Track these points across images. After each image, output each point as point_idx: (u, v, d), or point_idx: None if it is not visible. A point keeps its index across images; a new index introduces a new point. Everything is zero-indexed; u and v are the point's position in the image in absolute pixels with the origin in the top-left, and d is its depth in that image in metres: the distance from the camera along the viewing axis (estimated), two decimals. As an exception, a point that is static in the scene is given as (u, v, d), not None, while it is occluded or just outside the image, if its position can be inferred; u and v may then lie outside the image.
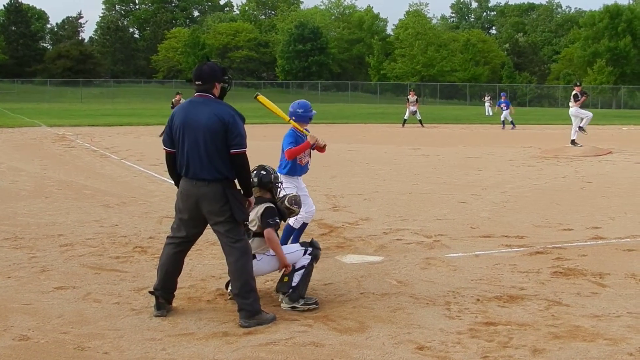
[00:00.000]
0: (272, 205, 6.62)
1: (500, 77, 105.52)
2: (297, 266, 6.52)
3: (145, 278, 7.28)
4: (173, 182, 6.27)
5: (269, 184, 6.76)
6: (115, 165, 18.50)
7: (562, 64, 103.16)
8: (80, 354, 5.22)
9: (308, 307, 6.39)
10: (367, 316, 6.12)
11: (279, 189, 6.93)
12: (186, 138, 5.96)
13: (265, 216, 6.46)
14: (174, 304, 6.33)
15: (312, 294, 6.67)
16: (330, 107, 62.39)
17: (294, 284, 6.43)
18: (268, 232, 6.40)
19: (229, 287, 6.66)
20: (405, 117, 38.70)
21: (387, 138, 30.53)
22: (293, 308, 6.38)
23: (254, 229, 6.48)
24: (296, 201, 7.07)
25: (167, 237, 6.33)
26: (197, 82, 6.07)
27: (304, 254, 6.59)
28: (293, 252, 6.57)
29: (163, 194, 13.27)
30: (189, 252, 6.45)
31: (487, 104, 56.53)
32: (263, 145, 12.05)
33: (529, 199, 13.02)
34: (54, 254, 8.38)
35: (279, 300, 6.55)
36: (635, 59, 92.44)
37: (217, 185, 5.92)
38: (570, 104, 23.72)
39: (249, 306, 5.92)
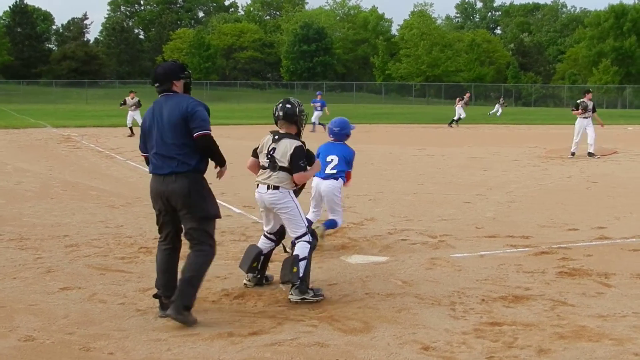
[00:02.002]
0: (300, 144, 6.69)
1: (505, 77, 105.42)
2: (301, 256, 6.57)
3: (151, 279, 7.27)
4: None
5: (294, 116, 6.77)
6: (121, 166, 18.53)
7: (568, 64, 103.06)
8: (86, 354, 5.23)
9: (317, 298, 6.53)
10: (372, 316, 6.12)
11: (304, 122, 6.91)
12: (154, 137, 6.09)
13: (295, 158, 6.59)
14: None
15: (317, 295, 6.72)
16: (335, 108, 62.06)
17: (300, 274, 6.49)
18: (299, 175, 6.62)
19: (248, 273, 6.91)
20: (461, 117, 38.90)
21: (391, 138, 30.52)
22: (303, 300, 6.48)
23: (281, 164, 6.62)
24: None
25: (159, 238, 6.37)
26: (155, 85, 6.20)
27: (304, 234, 6.69)
28: (302, 222, 6.72)
29: (168, 195, 13.27)
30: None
31: (497, 105, 56.68)
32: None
33: (534, 199, 13.01)
34: (60, 255, 8.40)
35: (278, 283, 6.74)
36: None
37: (184, 179, 5.96)
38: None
39: (187, 297, 5.88)
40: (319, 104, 35.60)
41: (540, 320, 6.03)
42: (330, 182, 8.72)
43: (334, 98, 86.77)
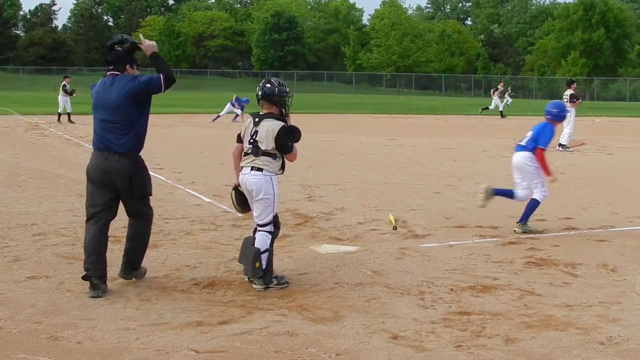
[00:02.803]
0: (283, 124, 6.61)
1: (475, 68, 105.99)
2: (262, 249, 6.55)
3: (119, 267, 7.23)
4: None
5: (273, 96, 6.67)
6: (89, 154, 18.31)
7: (537, 56, 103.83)
8: (54, 343, 5.19)
9: (281, 286, 6.64)
10: (341, 306, 6.13)
11: (288, 103, 6.80)
12: (100, 116, 6.49)
13: (282, 140, 6.54)
14: (148, 294, 6.34)
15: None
16: (305, 97, 62.29)
17: (263, 267, 6.52)
18: (290, 155, 6.66)
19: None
20: (490, 108, 39.21)
21: (362, 128, 30.57)
22: (266, 288, 6.56)
23: (263, 147, 6.55)
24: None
25: (87, 218, 6.63)
26: (110, 67, 6.59)
27: (268, 224, 6.66)
28: (272, 212, 6.70)
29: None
30: (164, 241, 6.46)
31: (506, 95, 57.20)
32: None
33: (503, 190, 13.09)
34: (27, 243, 8.32)
35: (245, 277, 6.71)
36: (608, 51, 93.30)
37: (125, 160, 6.41)
38: (566, 104, 20.99)
39: (134, 262, 6.73)
40: (239, 108, 34.08)
41: (507, 309, 6.09)
42: (520, 154, 9.59)
43: (305, 87, 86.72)
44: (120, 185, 6.44)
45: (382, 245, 8.54)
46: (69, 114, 30.53)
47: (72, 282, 6.78)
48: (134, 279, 6.77)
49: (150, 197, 6.81)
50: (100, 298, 6.28)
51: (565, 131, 21.07)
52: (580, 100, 21.91)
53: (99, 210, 6.50)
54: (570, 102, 21.31)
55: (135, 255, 6.76)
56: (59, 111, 30.68)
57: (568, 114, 20.94)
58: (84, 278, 6.42)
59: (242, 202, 6.93)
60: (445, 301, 6.31)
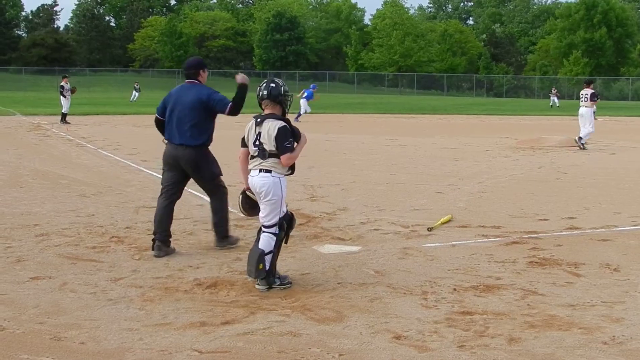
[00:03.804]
0: (284, 124, 6.57)
1: (477, 68, 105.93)
2: (266, 251, 6.52)
3: (122, 268, 7.25)
4: (162, 133, 8.22)
5: (279, 96, 6.67)
6: (92, 155, 18.37)
7: (539, 55, 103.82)
8: (57, 344, 5.19)
9: (284, 286, 6.61)
10: (344, 306, 6.13)
11: (289, 103, 6.83)
12: (175, 114, 7.89)
13: (280, 140, 6.47)
14: (151, 294, 6.35)
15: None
16: (307, 97, 62.27)
17: (267, 268, 6.50)
18: (285, 157, 6.48)
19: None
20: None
21: (364, 128, 30.57)
22: (269, 288, 6.55)
23: (268, 149, 6.51)
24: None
25: (159, 194, 8.13)
26: (186, 72, 8.16)
27: (274, 226, 6.61)
28: (279, 214, 6.64)
29: (140, 184, 13.20)
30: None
31: (554, 97, 57.72)
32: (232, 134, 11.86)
33: (505, 190, 13.10)
34: (30, 244, 8.32)
35: (248, 278, 6.68)
36: (610, 50, 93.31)
37: (192, 151, 7.86)
38: (585, 102, 22.09)
39: (223, 230, 8.13)
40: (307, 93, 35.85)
41: (510, 309, 6.08)
42: None
43: (306, 87, 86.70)
44: (187, 169, 7.90)
45: (385, 245, 8.53)
46: (64, 114, 30.51)
47: (75, 282, 6.78)
48: (227, 246, 8.11)
49: (220, 176, 8.15)
50: (103, 299, 6.27)
51: (584, 131, 21.71)
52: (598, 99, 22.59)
53: (166, 186, 8.01)
54: (591, 100, 22.05)
55: (220, 227, 8.13)
56: (62, 111, 30.69)
57: (587, 113, 21.73)
58: (153, 240, 7.88)
59: (249, 206, 6.92)
60: (448, 301, 6.31)
